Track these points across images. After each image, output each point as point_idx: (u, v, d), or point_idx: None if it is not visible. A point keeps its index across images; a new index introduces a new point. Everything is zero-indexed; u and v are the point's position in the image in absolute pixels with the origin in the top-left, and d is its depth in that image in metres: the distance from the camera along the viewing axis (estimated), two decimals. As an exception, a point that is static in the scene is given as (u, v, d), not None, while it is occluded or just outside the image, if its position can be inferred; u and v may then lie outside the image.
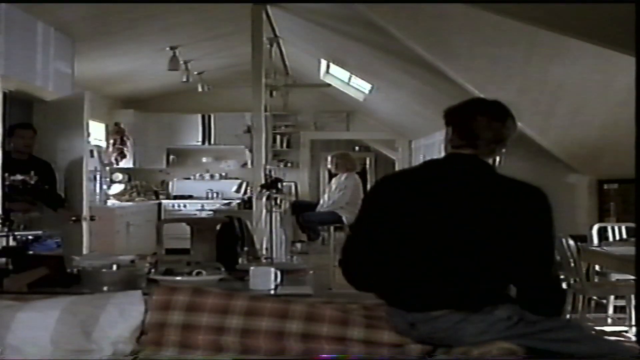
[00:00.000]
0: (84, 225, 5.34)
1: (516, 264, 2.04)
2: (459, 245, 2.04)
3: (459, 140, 2.17)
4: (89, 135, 6.23)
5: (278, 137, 11.06)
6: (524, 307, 2.05)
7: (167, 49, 7.45)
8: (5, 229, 3.26)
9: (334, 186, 7.80)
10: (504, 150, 2.19)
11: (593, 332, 2.38)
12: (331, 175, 8.20)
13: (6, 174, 4.24)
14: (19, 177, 4.19)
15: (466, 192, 2.09)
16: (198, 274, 2.89)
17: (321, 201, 7.97)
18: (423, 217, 2.10)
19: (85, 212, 5.56)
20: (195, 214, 9.88)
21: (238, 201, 9.09)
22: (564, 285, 4.96)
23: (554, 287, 2.12)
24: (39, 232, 3.50)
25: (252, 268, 2.96)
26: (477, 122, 2.14)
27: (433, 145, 9.35)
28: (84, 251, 5.36)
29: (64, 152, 5.66)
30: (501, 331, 2.01)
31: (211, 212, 9.35)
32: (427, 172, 2.23)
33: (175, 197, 10.76)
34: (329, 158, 8.05)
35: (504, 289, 2.11)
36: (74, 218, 4.42)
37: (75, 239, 4.98)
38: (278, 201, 6.36)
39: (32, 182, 4.22)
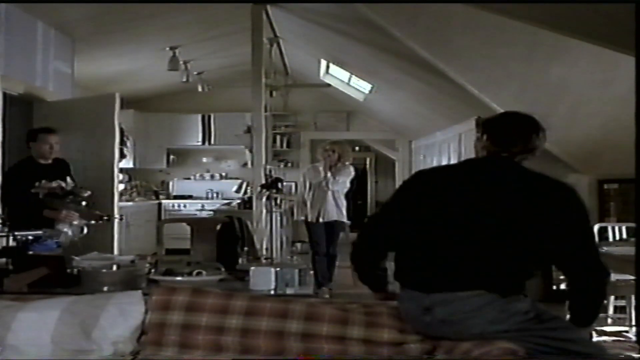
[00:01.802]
0: (116, 224, 5.37)
1: (559, 250, 2.20)
2: (492, 233, 2.17)
3: (494, 147, 2.33)
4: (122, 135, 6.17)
5: (278, 137, 11.06)
6: (575, 293, 2.24)
7: (167, 49, 7.46)
8: (6, 229, 3.26)
9: (343, 179, 6.59)
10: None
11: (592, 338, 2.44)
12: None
13: (41, 182, 4.10)
14: (53, 183, 4.06)
15: (502, 186, 2.26)
16: (198, 274, 2.89)
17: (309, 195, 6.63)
18: (460, 206, 2.24)
19: (116, 211, 5.60)
20: (195, 214, 9.89)
21: (238, 201, 9.09)
22: (565, 285, 4.99)
23: (598, 267, 2.22)
24: (39, 232, 3.50)
25: (252, 268, 2.96)
26: (513, 134, 2.32)
27: (433, 145, 9.35)
28: (115, 251, 5.40)
29: (90, 153, 5.66)
30: (516, 323, 2.10)
31: (211, 212, 9.35)
32: (466, 168, 2.43)
33: (176, 197, 10.76)
34: (327, 146, 6.69)
35: (528, 280, 2.23)
36: (105, 217, 4.37)
37: (99, 238, 4.91)
38: (278, 201, 6.36)
39: (69, 188, 4.10)
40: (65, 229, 3.87)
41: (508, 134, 2.33)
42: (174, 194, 10.90)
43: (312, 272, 3.41)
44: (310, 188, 6.56)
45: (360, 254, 2.46)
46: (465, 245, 2.18)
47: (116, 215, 5.49)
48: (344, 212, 6.58)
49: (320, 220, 6.48)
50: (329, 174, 6.50)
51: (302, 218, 6.62)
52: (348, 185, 6.68)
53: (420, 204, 2.31)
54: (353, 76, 9.56)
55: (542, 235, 2.17)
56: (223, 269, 3.08)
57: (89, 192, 4.11)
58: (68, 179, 4.16)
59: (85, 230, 4.05)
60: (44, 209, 4.04)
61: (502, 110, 5.28)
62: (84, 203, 4.06)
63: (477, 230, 2.19)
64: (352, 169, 6.69)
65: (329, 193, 6.47)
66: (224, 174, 11.05)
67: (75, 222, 3.95)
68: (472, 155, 2.49)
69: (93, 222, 4.10)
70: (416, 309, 2.20)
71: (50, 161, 4.61)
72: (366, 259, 2.45)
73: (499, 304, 2.12)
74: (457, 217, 2.22)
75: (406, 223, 2.32)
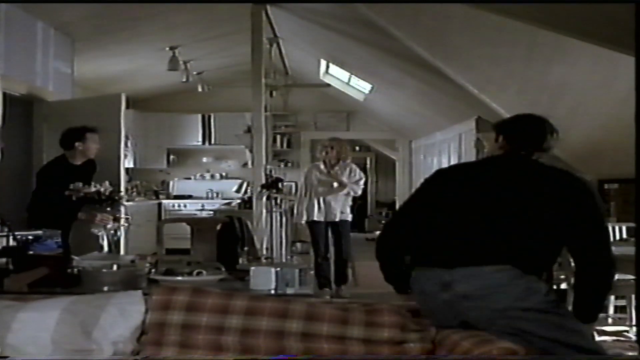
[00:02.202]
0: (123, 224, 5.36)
1: (572, 236, 2.31)
2: (514, 217, 2.29)
3: (509, 147, 2.50)
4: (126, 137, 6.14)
5: (278, 137, 11.06)
6: (581, 283, 2.33)
7: (167, 49, 7.45)
8: (6, 229, 3.26)
9: (344, 176, 6.47)
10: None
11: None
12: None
13: (75, 184, 4.02)
14: (92, 188, 3.97)
15: (522, 176, 2.41)
16: (198, 274, 2.89)
17: (309, 194, 6.53)
18: (482, 194, 2.37)
19: (123, 211, 5.59)
20: (195, 214, 9.89)
21: (238, 201, 9.09)
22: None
23: (606, 256, 2.31)
24: (39, 232, 3.50)
25: (252, 268, 2.96)
26: (529, 136, 2.50)
27: (433, 145, 9.35)
28: (122, 251, 5.38)
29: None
30: (538, 303, 2.19)
31: (211, 212, 9.37)
32: (487, 163, 2.61)
33: (176, 197, 10.77)
34: (325, 142, 6.62)
35: (547, 265, 2.44)
36: (127, 217, 4.37)
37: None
38: (278, 201, 6.36)
39: (108, 192, 4.03)
40: (100, 233, 3.84)
41: (524, 136, 2.49)
42: (174, 193, 10.90)
43: (312, 272, 3.40)
44: (312, 187, 6.52)
45: (384, 251, 2.53)
46: (490, 225, 2.29)
47: (125, 216, 5.47)
48: (347, 211, 6.50)
49: (322, 219, 6.46)
50: (328, 172, 6.50)
51: (304, 219, 6.47)
52: (361, 184, 6.59)
53: (444, 196, 2.43)
54: (353, 76, 9.56)
55: (558, 222, 2.28)
56: (223, 269, 3.08)
57: (124, 196, 4.08)
58: (107, 183, 4.06)
59: (119, 233, 4.04)
60: (79, 212, 4.01)
61: (502, 110, 5.30)
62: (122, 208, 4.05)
63: (500, 214, 2.30)
64: (354, 166, 6.62)
65: (333, 192, 6.46)
66: (224, 174, 11.05)
67: (109, 226, 3.91)
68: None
69: (126, 225, 4.08)
70: (433, 286, 2.26)
71: (80, 162, 4.57)
72: (391, 255, 2.52)
73: (523, 281, 2.19)
74: (480, 203, 2.35)
75: (429, 215, 2.42)
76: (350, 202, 6.57)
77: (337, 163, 6.49)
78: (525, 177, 2.40)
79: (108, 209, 3.93)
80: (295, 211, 6.67)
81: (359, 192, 6.71)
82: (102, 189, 3.90)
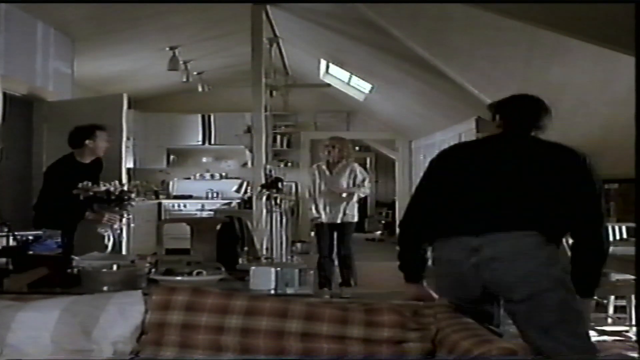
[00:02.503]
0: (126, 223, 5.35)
1: (576, 208, 2.47)
2: (528, 189, 2.47)
3: (508, 125, 2.66)
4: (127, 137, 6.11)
5: (278, 137, 11.06)
6: (581, 251, 2.48)
7: (167, 49, 7.45)
8: (6, 229, 3.25)
9: (344, 177, 6.50)
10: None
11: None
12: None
13: (83, 183, 3.96)
14: (101, 187, 3.95)
15: (526, 151, 2.57)
16: (198, 274, 2.89)
17: (314, 194, 6.61)
18: (499, 169, 2.54)
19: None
20: (195, 214, 9.89)
21: (238, 201, 9.09)
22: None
23: (604, 230, 2.50)
24: (39, 232, 3.50)
25: (252, 268, 2.96)
26: (525, 115, 2.65)
27: (433, 145, 9.35)
28: (124, 251, 5.37)
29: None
30: (558, 271, 2.38)
31: (211, 212, 9.37)
32: (489, 142, 2.73)
33: (176, 197, 10.76)
34: (326, 142, 6.70)
35: (564, 235, 2.62)
36: (121, 217, 4.37)
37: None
38: (278, 201, 6.35)
39: (117, 192, 4.01)
40: (107, 232, 3.82)
41: (521, 115, 2.65)
42: (174, 193, 10.90)
43: (311, 272, 3.40)
44: (315, 188, 6.59)
45: (408, 235, 2.64)
46: (513, 195, 2.46)
47: (127, 216, 5.45)
48: (351, 212, 6.50)
49: (326, 220, 6.49)
50: (332, 173, 6.52)
51: (312, 218, 6.62)
52: (367, 184, 6.59)
53: (458, 172, 2.59)
54: (353, 76, 9.56)
55: (565, 194, 2.46)
56: (223, 269, 3.08)
57: (133, 195, 4.08)
58: (116, 182, 4.03)
59: (125, 233, 4.02)
60: (86, 211, 3.99)
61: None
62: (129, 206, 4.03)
63: (518, 186, 2.47)
64: (355, 166, 6.63)
65: (335, 193, 6.47)
66: (224, 173, 11.05)
67: (115, 226, 3.90)
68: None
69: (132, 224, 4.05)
70: (461, 252, 2.42)
71: (88, 160, 4.56)
72: (414, 239, 2.62)
73: (548, 248, 2.39)
74: (495, 177, 2.52)
75: (448, 192, 2.57)
76: (355, 203, 6.56)
77: (339, 162, 6.52)
78: (532, 152, 2.55)
79: (116, 208, 3.91)
80: (312, 210, 6.69)
81: (367, 192, 6.75)
82: (112, 189, 3.89)
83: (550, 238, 2.40)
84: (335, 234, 6.53)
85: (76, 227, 4.10)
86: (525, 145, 2.59)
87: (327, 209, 6.47)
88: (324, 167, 6.59)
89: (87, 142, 4.52)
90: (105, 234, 3.81)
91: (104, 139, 4.60)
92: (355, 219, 6.57)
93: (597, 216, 2.49)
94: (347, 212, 6.47)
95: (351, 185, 6.53)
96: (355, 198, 6.52)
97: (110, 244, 3.81)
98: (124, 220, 4.03)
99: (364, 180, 6.55)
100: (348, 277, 6.49)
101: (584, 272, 2.46)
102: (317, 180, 6.59)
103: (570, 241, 2.61)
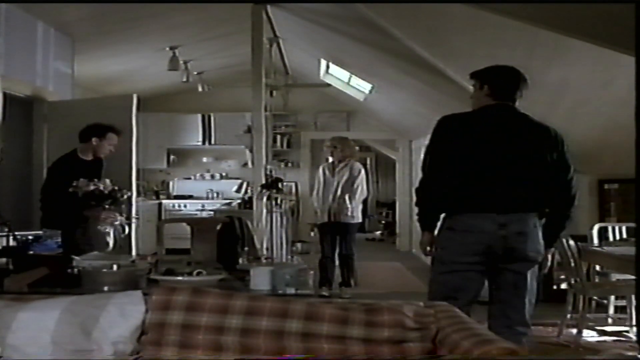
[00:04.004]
0: (133, 224, 5.38)
1: (553, 176, 3.02)
2: (526, 167, 2.98)
3: (496, 96, 3.04)
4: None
5: (278, 137, 11.06)
6: (555, 211, 3.06)
7: (167, 49, 7.46)
8: (6, 229, 3.25)
9: (345, 177, 6.53)
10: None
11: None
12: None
13: (79, 180, 3.89)
14: (91, 186, 3.93)
15: (519, 129, 3.03)
16: (198, 274, 2.89)
17: (318, 195, 6.68)
18: (492, 146, 2.97)
19: (134, 211, 5.59)
20: (195, 214, 9.90)
21: (238, 201, 9.09)
22: (565, 285, 5.03)
23: (571, 191, 3.07)
24: (39, 232, 3.50)
25: (252, 268, 2.96)
26: (510, 85, 3.06)
27: (433, 145, 9.33)
28: (133, 251, 5.38)
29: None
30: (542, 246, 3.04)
31: (212, 212, 9.36)
32: (488, 114, 3.07)
33: (176, 197, 10.77)
34: (327, 143, 6.78)
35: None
36: (137, 217, 4.37)
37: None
38: (278, 201, 6.36)
39: (107, 191, 3.98)
40: (107, 229, 3.80)
41: (506, 84, 3.05)
42: (174, 193, 10.90)
43: (311, 272, 3.40)
44: (320, 188, 6.62)
45: (425, 196, 3.11)
46: (518, 178, 2.96)
47: (135, 215, 5.45)
48: (352, 213, 6.46)
49: (326, 220, 6.50)
50: (334, 173, 6.53)
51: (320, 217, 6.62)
52: (362, 188, 6.56)
53: (464, 146, 2.99)
54: (353, 76, 9.56)
55: (546, 166, 2.99)
56: (223, 269, 3.08)
57: (128, 194, 4.06)
58: (107, 181, 4.00)
59: (127, 230, 4.02)
60: (84, 209, 3.97)
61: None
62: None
63: (516, 164, 2.96)
64: (355, 166, 6.62)
65: (335, 193, 6.47)
66: (224, 174, 11.05)
67: (116, 222, 3.87)
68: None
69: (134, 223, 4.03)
70: (492, 225, 2.93)
71: (89, 158, 4.54)
72: (428, 198, 3.10)
73: (540, 224, 3.03)
74: (502, 155, 2.96)
75: (459, 164, 2.99)
76: (358, 204, 6.54)
77: (341, 163, 6.56)
78: (523, 129, 3.01)
79: (107, 206, 3.89)
80: (317, 210, 6.71)
81: (364, 193, 6.69)
82: (101, 187, 3.87)
83: (540, 217, 3.02)
84: (338, 234, 6.52)
85: (79, 225, 4.11)
86: (520, 122, 3.02)
87: (330, 209, 6.48)
88: (327, 168, 6.64)
89: (93, 139, 4.51)
90: (106, 231, 3.81)
91: (112, 141, 4.58)
92: (358, 220, 6.56)
93: (567, 168, 3.03)
94: (349, 212, 6.45)
95: (351, 185, 6.52)
96: (357, 198, 6.50)
97: (111, 242, 3.81)
98: (119, 219, 4.00)
99: (357, 187, 6.50)
100: (348, 278, 6.49)
101: (557, 225, 3.07)
102: (321, 181, 6.62)
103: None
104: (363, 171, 6.69)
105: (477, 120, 3.08)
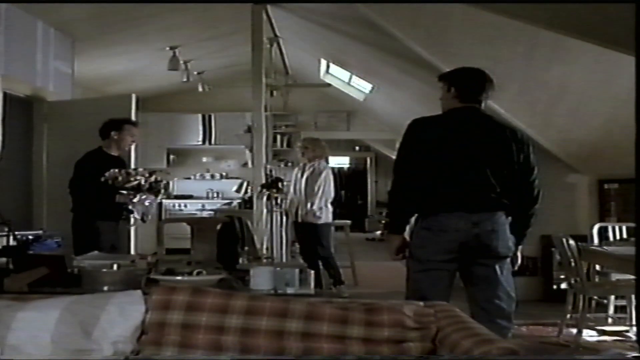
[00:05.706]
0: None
1: (518, 176, 3.10)
2: (493, 167, 3.05)
3: (463, 98, 3.11)
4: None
5: (278, 136, 11.07)
6: (521, 209, 3.15)
7: (167, 49, 7.46)
8: (6, 229, 3.26)
9: (310, 177, 6.44)
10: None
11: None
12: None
13: (114, 171, 4.09)
14: (134, 181, 4.01)
15: (487, 130, 3.11)
16: (198, 273, 2.89)
17: (291, 197, 6.64)
18: (461, 148, 3.05)
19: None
20: (195, 214, 9.90)
21: (238, 201, 9.09)
22: (565, 285, 5.02)
23: (534, 192, 3.18)
24: (39, 232, 3.50)
25: (252, 268, 2.96)
26: (477, 87, 3.14)
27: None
28: (132, 250, 5.39)
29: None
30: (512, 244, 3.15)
31: (212, 212, 9.37)
32: (455, 117, 3.14)
33: (176, 197, 10.77)
34: (299, 143, 6.83)
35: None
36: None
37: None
38: (278, 201, 6.36)
39: (149, 184, 4.11)
40: (138, 208, 4.02)
41: (474, 87, 3.13)
42: (175, 193, 10.90)
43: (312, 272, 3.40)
44: (292, 188, 6.61)
45: (395, 200, 3.17)
46: (490, 177, 3.04)
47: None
48: (316, 213, 6.31)
49: (294, 220, 6.53)
50: (303, 173, 6.53)
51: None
52: (325, 188, 6.36)
53: (437, 147, 3.07)
54: (353, 76, 9.56)
55: (514, 166, 3.08)
56: (223, 269, 3.08)
57: (164, 181, 4.28)
58: (145, 172, 4.24)
59: (154, 205, 4.22)
60: (115, 195, 4.14)
61: (502, 111, 5.29)
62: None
63: (485, 165, 3.04)
64: (322, 165, 6.48)
65: (302, 193, 6.42)
66: (224, 173, 11.06)
67: (147, 203, 4.08)
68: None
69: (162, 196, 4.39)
70: (466, 223, 3.02)
71: (116, 153, 4.66)
72: (399, 202, 3.14)
73: (507, 222, 3.12)
74: (473, 156, 3.04)
75: (431, 165, 3.06)
76: (322, 205, 6.35)
77: (310, 163, 6.48)
78: (490, 131, 3.10)
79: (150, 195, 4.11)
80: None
81: (329, 194, 6.43)
82: (143, 181, 4.03)
83: (507, 215, 3.11)
84: (308, 235, 6.42)
85: (109, 215, 4.36)
86: (488, 124, 3.12)
87: (297, 209, 6.44)
88: (299, 168, 6.64)
89: (112, 133, 4.61)
90: (137, 209, 3.94)
91: (130, 133, 4.70)
92: (326, 221, 6.37)
93: (531, 169, 3.13)
94: (313, 213, 6.33)
95: (316, 188, 6.36)
96: (319, 198, 6.33)
97: (139, 217, 4.13)
98: (151, 198, 4.14)
99: (319, 187, 6.34)
100: (335, 276, 6.43)
101: (524, 223, 3.16)
102: (292, 181, 6.64)
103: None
104: (329, 172, 6.50)
105: (445, 123, 3.17)
